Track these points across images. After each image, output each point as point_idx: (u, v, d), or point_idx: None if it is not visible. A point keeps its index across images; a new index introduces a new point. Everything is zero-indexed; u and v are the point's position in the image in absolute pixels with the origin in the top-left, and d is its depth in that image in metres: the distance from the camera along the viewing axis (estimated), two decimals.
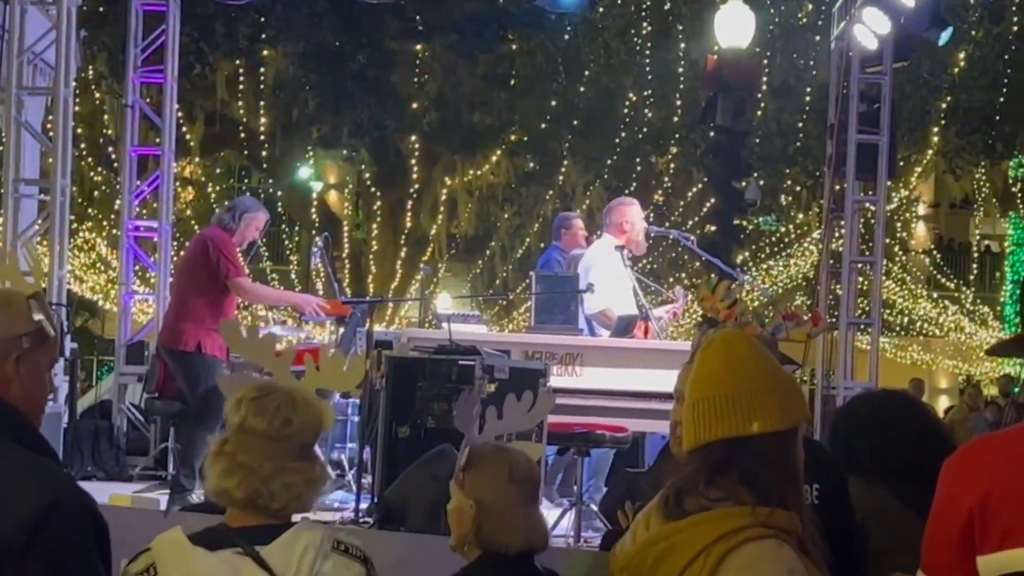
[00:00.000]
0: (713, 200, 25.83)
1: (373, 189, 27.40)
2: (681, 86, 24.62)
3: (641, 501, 4.71)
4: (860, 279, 15.80)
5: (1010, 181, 31.95)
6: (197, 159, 26.96)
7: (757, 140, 25.57)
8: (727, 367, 3.08)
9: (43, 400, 3.66)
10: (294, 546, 3.81)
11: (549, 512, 9.40)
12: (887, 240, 19.98)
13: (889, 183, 16.06)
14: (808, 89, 24.30)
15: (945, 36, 14.28)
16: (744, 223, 27.46)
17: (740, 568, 2.86)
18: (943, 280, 35.36)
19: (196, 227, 24.38)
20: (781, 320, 5.48)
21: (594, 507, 9.33)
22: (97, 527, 3.36)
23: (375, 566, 3.91)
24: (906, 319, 33.61)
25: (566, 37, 24.19)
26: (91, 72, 21.72)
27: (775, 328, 9.70)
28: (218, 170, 28.97)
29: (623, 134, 25.18)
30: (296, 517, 3.93)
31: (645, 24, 24.66)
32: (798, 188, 27.46)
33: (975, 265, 36.55)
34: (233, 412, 3.94)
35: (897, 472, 4.25)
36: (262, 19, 22.95)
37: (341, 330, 11.37)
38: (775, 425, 3.01)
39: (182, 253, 12.82)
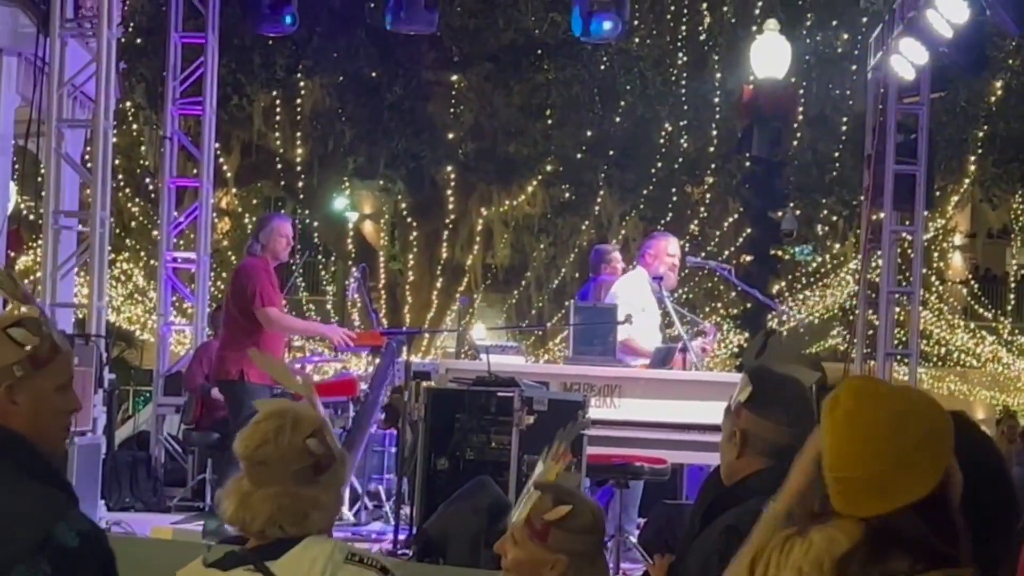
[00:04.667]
0: (749, 230, 25.82)
1: (409, 219, 27.43)
2: (717, 116, 24.59)
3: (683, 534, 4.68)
4: (897, 309, 15.74)
5: None
6: (234, 190, 27.05)
7: (793, 170, 25.54)
8: (856, 442, 2.89)
9: (55, 425, 3.63)
10: (303, 558, 3.82)
11: None
12: (923, 270, 19.88)
13: (926, 213, 16.01)
14: (844, 119, 24.24)
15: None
16: (780, 253, 27.43)
17: None
18: (980, 310, 35.17)
19: (232, 258, 24.47)
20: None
21: (633, 539, 9.31)
22: (100, 559, 3.32)
23: None
24: (943, 349, 33.43)
25: (602, 67, 24.19)
26: (129, 104, 21.82)
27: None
28: (255, 201, 29.02)
29: (659, 164, 25.15)
30: None
31: (681, 54, 24.66)
32: (834, 218, 27.36)
33: (1012, 295, 36.36)
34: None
35: None
36: (299, 50, 23.03)
37: (378, 360, 11.39)
38: (919, 494, 2.91)
39: (222, 285, 12.90)
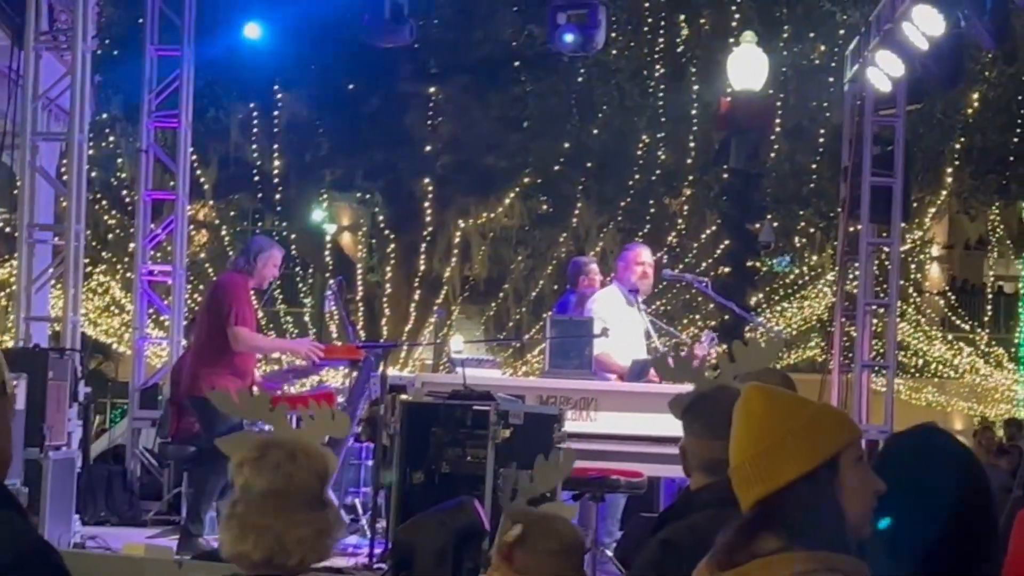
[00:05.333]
0: (727, 242, 25.83)
1: (387, 231, 27.39)
2: (694, 128, 24.60)
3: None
4: (874, 321, 15.75)
5: None
6: (211, 202, 26.99)
7: (770, 182, 25.56)
8: (746, 430, 3.07)
9: (10, 445, 3.55)
10: None
11: None
12: (901, 281, 19.91)
13: (903, 224, 16.05)
14: (821, 131, 24.28)
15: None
16: (758, 265, 27.44)
17: None
18: (957, 321, 35.25)
19: (210, 270, 24.43)
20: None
21: (609, 553, 9.29)
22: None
23: None
24: (920, 361, 33.50)
25: (579, 79, 24.20)
26: (105, 116, 21.75)
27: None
28: (232, 213, 28.97)
29: (636, 176, 25.16)
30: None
31: (658, 66, 24.67)
32: (812, 230, 27.41)
33: (989, 306, 36.42)
34: (236, 474, 3.89)
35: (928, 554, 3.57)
36: (276, 62, 22.98)
37: (355, 374, 11.36)
38: (799, 470, 2.99)
39: (200, 298, 12.85)
